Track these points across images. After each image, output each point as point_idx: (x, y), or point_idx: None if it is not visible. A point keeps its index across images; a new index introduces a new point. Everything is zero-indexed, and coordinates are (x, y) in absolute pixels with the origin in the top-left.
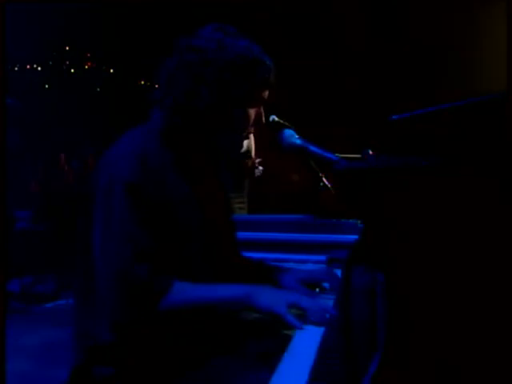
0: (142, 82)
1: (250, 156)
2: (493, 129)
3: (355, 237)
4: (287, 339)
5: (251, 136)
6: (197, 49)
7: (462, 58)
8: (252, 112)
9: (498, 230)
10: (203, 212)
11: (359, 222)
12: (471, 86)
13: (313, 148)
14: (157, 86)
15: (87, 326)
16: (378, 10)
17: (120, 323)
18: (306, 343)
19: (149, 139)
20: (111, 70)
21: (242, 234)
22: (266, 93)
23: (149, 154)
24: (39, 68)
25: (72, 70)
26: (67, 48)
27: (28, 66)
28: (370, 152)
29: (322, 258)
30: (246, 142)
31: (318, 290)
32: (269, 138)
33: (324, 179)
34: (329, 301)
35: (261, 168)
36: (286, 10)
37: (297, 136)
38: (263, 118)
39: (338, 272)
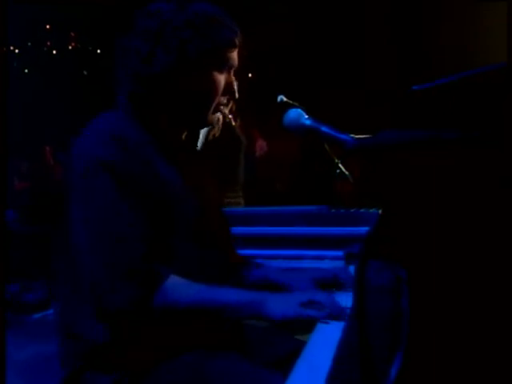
0: None
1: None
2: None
3: None
4: (301, 344)
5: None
6: (153, 13)
7: (461, 57)
8: (220, 78)
9: None
10: (197, 200)
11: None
12: None
13: (324, 129)
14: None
15: (73, 326)
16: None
17: (110, 317)
18: (321, 347)
19: (122, 121)
20: (98, 51)
21: (250, 229)
22: (233, 56)
23: (126, 135)
24: (16, 50)
25: (54, 52)
26: (48, 27)
27: (3, 48)
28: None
29: (340, 253)
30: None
31: (334, 289)
32: (276, 121)
33: (340, 165)
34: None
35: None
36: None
37: (306, 116)
38: (235, 87)
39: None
